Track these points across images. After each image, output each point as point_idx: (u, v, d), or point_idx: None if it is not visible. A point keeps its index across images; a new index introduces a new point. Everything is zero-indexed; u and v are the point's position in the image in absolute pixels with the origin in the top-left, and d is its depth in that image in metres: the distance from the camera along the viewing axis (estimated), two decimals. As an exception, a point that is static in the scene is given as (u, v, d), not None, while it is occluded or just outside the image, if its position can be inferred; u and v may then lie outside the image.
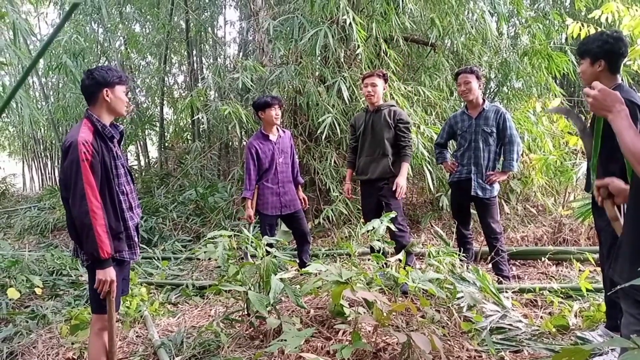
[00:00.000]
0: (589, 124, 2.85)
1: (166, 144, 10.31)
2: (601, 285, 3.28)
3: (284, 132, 4.41)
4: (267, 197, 4.23)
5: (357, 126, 4.25)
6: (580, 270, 4.03)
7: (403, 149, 4.06)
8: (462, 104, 4.75)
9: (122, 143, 2.58)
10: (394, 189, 4.01)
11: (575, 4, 6.93)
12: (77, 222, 2.23)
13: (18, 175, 13.63)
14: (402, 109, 4.38)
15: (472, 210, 4.40)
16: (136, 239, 2.52)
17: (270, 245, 3.36)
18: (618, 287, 1.57)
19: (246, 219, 4.28)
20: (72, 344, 3.10)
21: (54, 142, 12.05)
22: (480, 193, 4.04)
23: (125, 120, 9.32)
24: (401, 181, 4.00)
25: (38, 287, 4.11)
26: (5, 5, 5.32)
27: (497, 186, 4.13)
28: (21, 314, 3.73)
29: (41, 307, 3.84)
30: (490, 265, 4.20)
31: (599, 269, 4.09)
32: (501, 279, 3.98)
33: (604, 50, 2.61)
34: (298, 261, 4.35)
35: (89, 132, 2.29)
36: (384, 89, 4.22)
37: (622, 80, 2.71)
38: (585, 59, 2.70)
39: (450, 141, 4.58)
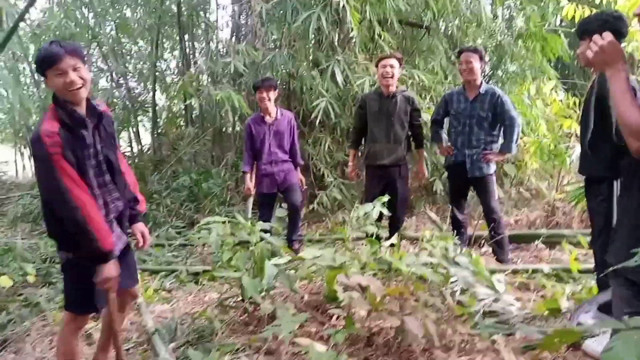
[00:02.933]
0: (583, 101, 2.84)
1: (159, 130, 10.22)
2: (591, 267, 3.30)
3: (282, 114, 4.46)
4: (261, 177, 4.42)
5: (368, 109, 4.19)
6: (571, 253, 4.04)
7: (418, 136, 4.25)
8: (459, 85, 4.70)
9: (101, 126, 2.22)
10: (418, 177, 4.44)
11: (570, -14, 6.87)
12: (67, 224, 2.04)
13: (10, 163, 13.50)
14: (414, 94, 4.38)
15: (470, 193, 4.40)
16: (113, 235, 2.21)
17: (265, 230, 3.37)
18: (610, 268, 1.56)
19: (245, 192, 4.59)
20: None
21: (46, 128, 11.92)
22: (477, 173, 4.02)
23: (117, 107, 9.24)
24: (423, 168, 4.38)
25: (31, 274, 4.09)
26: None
27: (493, 164, 4.10)
28: (14, 302, 3.71)
29: (34, 295, 3.82)
30: (483, 249, 4.22)
31: (591, 251, 4.11)
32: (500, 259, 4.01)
33: (605, 30, 2.57)
34: (286, 237, 4.46)
35: (53, 120, 2.03)
36: (399, 73, 4.19)
37: None
38: (585, 40, 2.62)
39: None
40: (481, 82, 4.04)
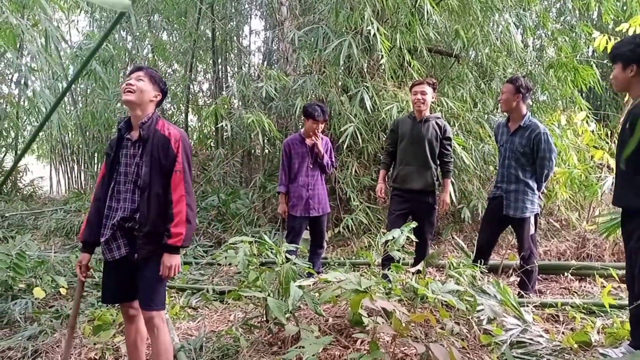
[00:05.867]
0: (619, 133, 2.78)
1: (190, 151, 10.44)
2: (624, 302, 3.21)
3: (321, 138, 4.53)
4: (295, 199, 4.41)
5: (399, 132, 4.18)
6: (602, 286, 3.95)
7: (446, 165, 4.11)
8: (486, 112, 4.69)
9: (151, 143, 2.42)
10: (441, 206, 4.12)
11: (602, 17, 6.86)
12: None
13: (45, 178, 13.91)
14: (447, 122, 4.28)
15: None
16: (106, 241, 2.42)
17: (290, 252, 3.40)
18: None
19: (280, 214, 4.57)
20: (95, 344, 3.16)
21: (81, 146, 12.30)
22: (511, 212, 3.86)
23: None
24: (447, 198, 4.11)
25: (63, 287, 4.20)
26: (38, 13, 5.51)
27: (531, 207, 3.85)
28: (46, 313, 3.82)
29: (65, 307, 3.92)
30: (511, 279, 4.15)
31: (622, 285, 4.01)
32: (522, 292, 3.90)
33: (637, 55, 2.51)
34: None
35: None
36: (433, 98, 4.18)
37: None
38: (617, 64, 2.60)
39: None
40: (525, 114, 3.84)
